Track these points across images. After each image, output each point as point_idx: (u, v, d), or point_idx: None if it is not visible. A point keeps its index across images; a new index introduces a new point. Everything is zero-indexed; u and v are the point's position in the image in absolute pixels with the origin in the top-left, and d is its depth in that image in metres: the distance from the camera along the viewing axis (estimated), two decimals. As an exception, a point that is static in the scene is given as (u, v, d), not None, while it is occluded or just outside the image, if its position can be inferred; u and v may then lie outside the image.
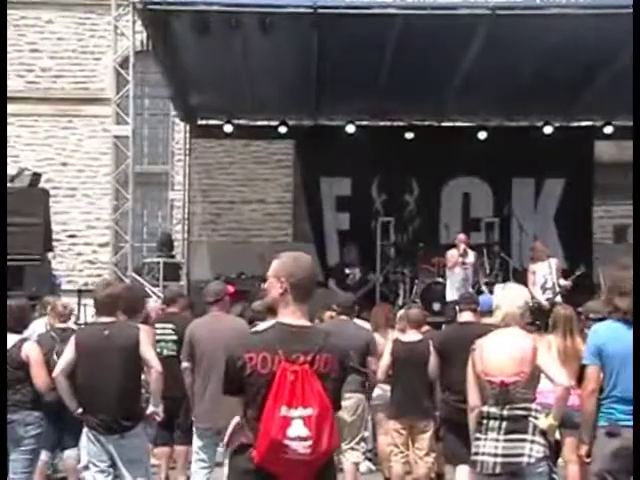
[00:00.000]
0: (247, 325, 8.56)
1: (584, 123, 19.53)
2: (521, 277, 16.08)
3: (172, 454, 9.40)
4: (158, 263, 16.53)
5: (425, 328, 9.43)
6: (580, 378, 7.69)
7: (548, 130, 18.73)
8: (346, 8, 13.61)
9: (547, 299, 13.00)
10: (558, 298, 13.04)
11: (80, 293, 16.27)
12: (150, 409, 7.15)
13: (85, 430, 6.95)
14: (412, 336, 8.84)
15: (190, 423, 8.50)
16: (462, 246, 14.81)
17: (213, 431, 7.92)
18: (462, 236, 15.19)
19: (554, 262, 13.77)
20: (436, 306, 15.13)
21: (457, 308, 8.71)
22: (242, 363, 4.03)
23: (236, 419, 4.18)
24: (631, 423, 5.53)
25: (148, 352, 6.97)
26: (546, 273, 13.58)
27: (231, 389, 4.18)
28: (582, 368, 7.62)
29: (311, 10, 13.56)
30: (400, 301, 16.06)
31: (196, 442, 8.18)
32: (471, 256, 14.90)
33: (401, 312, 11.51)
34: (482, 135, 18.78)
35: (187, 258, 18.66)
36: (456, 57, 15.40)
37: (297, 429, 3.86)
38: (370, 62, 15.39)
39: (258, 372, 3.98)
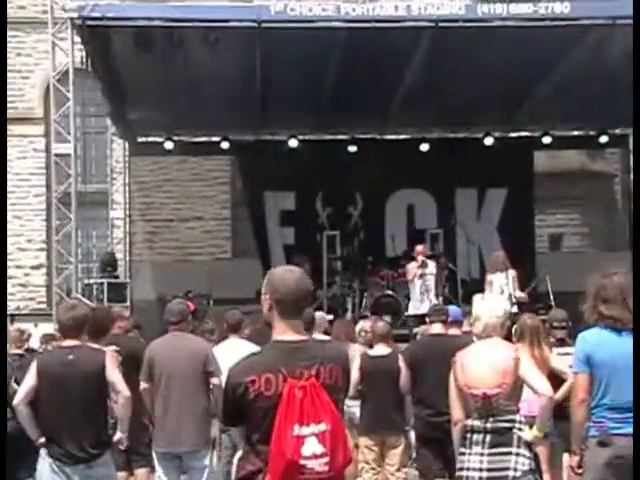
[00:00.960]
0: (209, 345, 8.38)
1: (523, 134, 19.73)
2: (469, 288, 16.16)
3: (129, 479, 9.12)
4: (102, 284, 16.17)
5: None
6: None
7: (489, 141, 18.89)
8: (290, 22, 13.52)
9: None
10: (514, 309, 13.01)
11: (13, 317, 15.84)
12: (118, 435, 6.89)
13: (49, 461, 6.57)
14: (380, 350, 8.72)
15: (147, 444, 8.25)
16: (420, 257, 14.69)
17: (173, 455, 7.74)
18: (420, 247, 15.09)
19: (512, 273, 13.72)
20: (386, 319, 14.98)
21: (427, 320, 8.63)
22: (244, 388, 3.81)
23: (239, 453, 4.01)
24: (624, 431, 5.44)
25: (115, 376, 6.70)
26: (503, 284, 13.53)
27: (232, 419, 3.99)
28: (550, 378, 7.67)
29: (255, 24, 13.46)
30: (349, 315, 15.95)
31: (158, 469, 7.90)
32: (431, 267, 14.78)
33: (359, 326, 11.44)
34: (424, 147, 18.86)
35: (130, 278, 18.36)
36: (399, 70, 15.45)
37: (312, 447, 3.69)
38: (313, 76, 15.38)
39: (263, 395, 3.79)
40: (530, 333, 8.24)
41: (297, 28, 13.58)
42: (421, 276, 14.55)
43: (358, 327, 10.87)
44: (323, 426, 3.71)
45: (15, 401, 6.65)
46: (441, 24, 13.54)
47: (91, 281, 16.77)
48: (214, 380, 7.65)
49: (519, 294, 13.71)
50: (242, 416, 3.87)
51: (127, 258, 19.26)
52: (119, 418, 6.86)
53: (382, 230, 19.16)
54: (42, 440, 6.57)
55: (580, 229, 25.80)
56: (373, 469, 8.72)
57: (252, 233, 20.39)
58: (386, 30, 13.61)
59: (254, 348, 8.91)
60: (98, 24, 13.43)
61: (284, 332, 3.94)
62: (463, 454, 5.68)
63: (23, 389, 6.67)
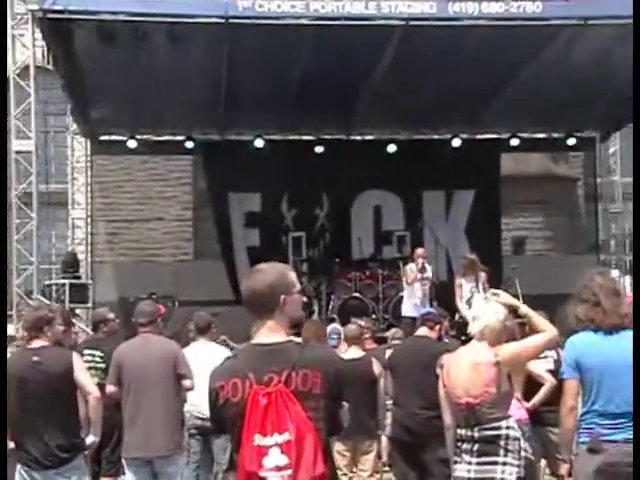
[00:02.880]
0: (179, 347, 8.16)
1: (491, 135, 19.62)
2: (438, 291, 16.02)
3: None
4: (63, 285, 15.86)
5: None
6: (526, 391, 7.57)
7: (456, 143, 18.75)
8: (258, 18, 13.26)
9: None
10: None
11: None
12: (90, 439, 6.66)
13: (18, 467, 6.44)
14: (353, 353, 8.52)
15: (118, 454, 8.09)
16: (420, 260, 14.30)
17: (144, 461, 7.51)
18: (420, 250, 14.70)
19: (483, 276, 13.53)
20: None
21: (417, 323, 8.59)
22: (215, 394, 3.67)
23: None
24: (615, 438, 5.27)
25: (83, 377, 6.54)
26: (473, 287, 13.36)
27: (216, 426, 3.81)
28: (527, 382, 7.56)
29: (222, 20, 13.19)
30: (315, 317, 15.72)
31: (128, 475, 7.71)
32: (429, 271, 14.44)
33: (329, 328, 11.30)
34: (391, 148, 18.66)
35: (92, 279, 18.05)
36: (367, 69, 15.24)
37: (274, 458, 3.48)
38: (280, 75, 15.15)
39: (230, 401, 3.62)
40: (507, 335, 8.10)
41: (265, 25, 13.33)
42: (420, 280, 14.21)
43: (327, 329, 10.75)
44: (287, 436, 3.49)
45: None
46: (412, 22, 13.33)
47: (52, 282, 16.45)
48: (186, 383, 7.48)
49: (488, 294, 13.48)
50: (221, 423, 3.71)
51: (89, 259, 18.93)
52: (91, 421, 6.64)
53: (349, 232, 18.97)
54: (11, 445, 6.42)
55: (543, 232, 25.88)
56: (345, 475, 8.54)
57: (215, 234, 20.10)
58: (355, 28, 13.39)
59: (223, 350, 8.76)
60: (60, 17, 13.06)
61: (258, 334, 3.76)
62: (455, 462, 5.63)
63: None
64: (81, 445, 6.56)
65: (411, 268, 14.34)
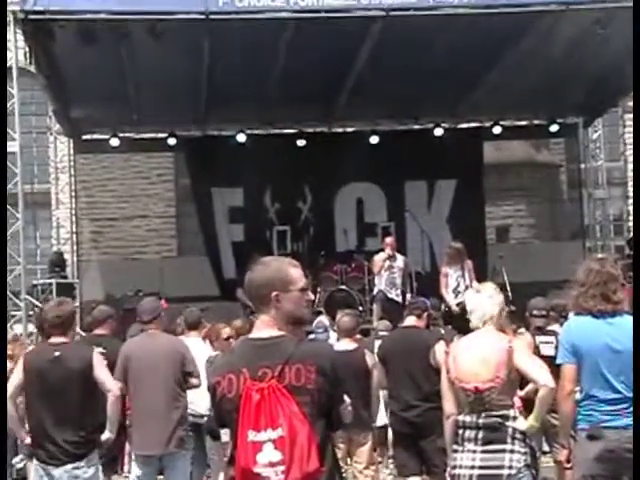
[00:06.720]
0: (184, 344, 8.12)
1: (473, 124, 19.64)
2: (424, 280, 16.05)
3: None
4: (50, 284, 15.85)
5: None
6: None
7: (438, 132, 18.74)
8: (238, 13, 13.25)
9: (458, 303, 12.66)
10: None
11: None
12: (106, 435, 6.66)
13: (35, 463, 6.50)
14: (346, 345, 8.49)
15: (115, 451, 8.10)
16: (388, 249, 14.40)
17: (152, 458, 7.59)
18: (389, 239, 14.78)
19: (469, 265, 13.55)
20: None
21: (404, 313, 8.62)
22: (213, 390, 3.71)
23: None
24: (614, 424, 5.27)
25: (103, 375, 6.57)
26: (459, 276, 13.38)
27: (217, 421, 3.84)
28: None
29: (203, 16, 13.16)
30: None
31: (135, 470, 7.77)
32: (399, 260, 14.48)
33: (315, 321, 11.29)
34: (374, 140, 18.65)
35: (78, 278, 18.03)
36: (347, 61, 15.28)
37: (268, 454, 3.48)
38: (261, 69, 15.13)
39: (227, 397, 3.64)
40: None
41: (245, 19, 13.31)
42: (389, 268, 14.25)
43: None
44: (280, 431, 3.49)
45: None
46: (392, 13, 13.32)
47: (40, 282, 16.44)
48: (193, 381, 7.55)
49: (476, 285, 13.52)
50: (221, 417, 3.74)
51: (74, 258, 18.90)
52: (108, 418, 6.64)
53: (332, 225, 18.99)
54: (27, 441, 6.51)
55: (527, 220, 25.96)
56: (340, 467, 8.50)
57: (199, 230, 20.10)
58: (336, 20, 13.38)
59: (208, 349, 8.75)
60: (41, 18, 13.03)
61: (256, 329, 3.78)
62: (456, 451, 5.46)
63: (10, 386, 6.59)
64: (96, 441, 6.57)
65: (379, 257, 14.41)
